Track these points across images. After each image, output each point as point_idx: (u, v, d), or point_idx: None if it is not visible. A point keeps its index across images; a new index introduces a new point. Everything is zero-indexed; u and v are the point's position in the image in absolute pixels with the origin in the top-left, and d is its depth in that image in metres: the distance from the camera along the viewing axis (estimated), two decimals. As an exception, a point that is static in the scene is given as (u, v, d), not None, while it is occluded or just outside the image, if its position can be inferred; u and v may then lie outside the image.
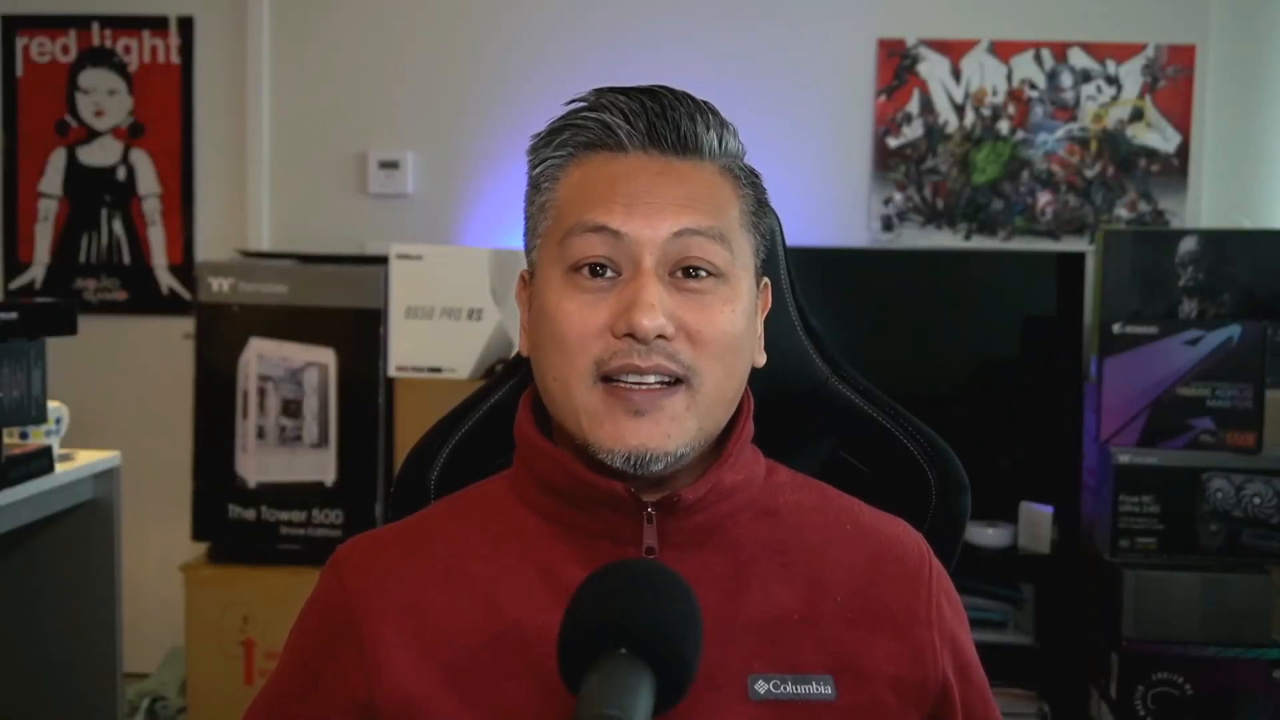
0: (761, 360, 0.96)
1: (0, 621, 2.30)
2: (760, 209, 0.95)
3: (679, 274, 0.87)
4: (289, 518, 2.92)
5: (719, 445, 0.93)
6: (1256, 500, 2.54)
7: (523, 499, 0.93)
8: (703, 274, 0.87)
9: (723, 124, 0.92)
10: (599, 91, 0.91)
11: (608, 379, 0.86)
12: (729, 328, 0.88)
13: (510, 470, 0.97)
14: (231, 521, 2.94)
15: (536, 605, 0.86)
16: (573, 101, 0.93)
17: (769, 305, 1.00)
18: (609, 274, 0.87)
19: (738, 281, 0.90)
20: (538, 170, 0.93)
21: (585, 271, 0.87)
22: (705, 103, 0.92)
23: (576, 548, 0.89)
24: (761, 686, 0.85)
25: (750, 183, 0.94)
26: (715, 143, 0.91)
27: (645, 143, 0.89)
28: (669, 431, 0.86)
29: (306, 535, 2.91)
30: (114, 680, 2.31)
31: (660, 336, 0.85)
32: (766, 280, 0.99)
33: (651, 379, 0.85)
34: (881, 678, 0.88)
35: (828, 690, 0.86)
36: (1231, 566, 2.53)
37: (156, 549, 3.23)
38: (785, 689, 0.86)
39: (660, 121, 0.89)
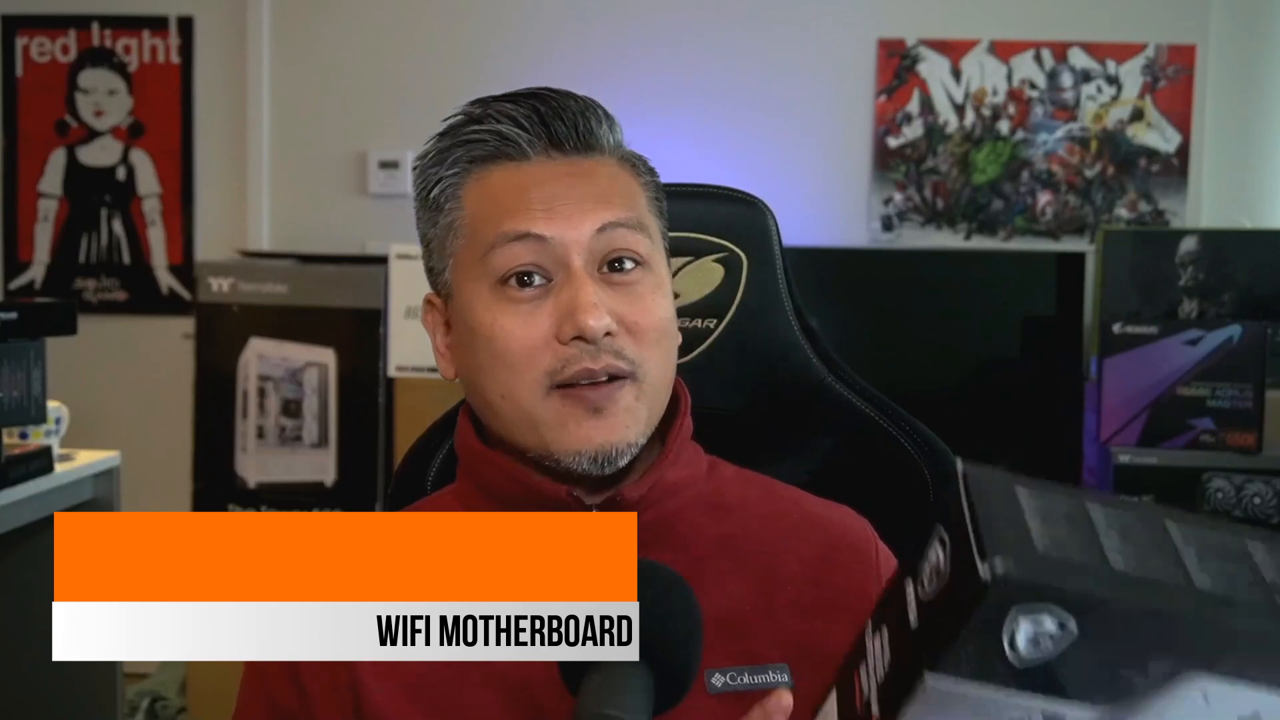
0: (679, 340, 0.96)
1: (0, 621, 2.30)
2: (658, 193, 0.95)
3: (606, 269, 0.88)
4: (289, 518, 2.93)
5: (659, 442, 0.93)
6: (1256, 500, 2.54)
7: (470, 511, 0.92)
8: (629, 265, 0.88)
9: (609, 117, 0.92)
10: (481, 103, 0.90)
11: (563, 385, 0.86)
12: (663, 314, 0.89)
13: (454, 485, 0.97)
14: (231, 521, 2.94)
15: None
16: (451, 117, 0.92)
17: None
18: (538, 280, 0.87)
19: (659, 268, 0.91)
20: (435, 192, 0.92)
21: (514, 282, 0.86)
22: (590, 98, 0.92)
23: None
24: (718, 679, 0.86)
25: (646, 169, 0.94)
26: (609, 137, 0.91)
27: (548, 147, 0.89)
28: (626, 423, 0.86)
29: (306, 535, 2.91)
30: (114, 680, 2.31)
31: (607, 334, 0.85)
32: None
33: (604, 377, 0.85)
34: (839, 663, 0.88)
35: (784, 679, 0.86)
36: (1231, 566, 2.52)
37: (156, 549, 3.23)
38: (742, 680, 0.86)
39: (558, 123, 0.88)
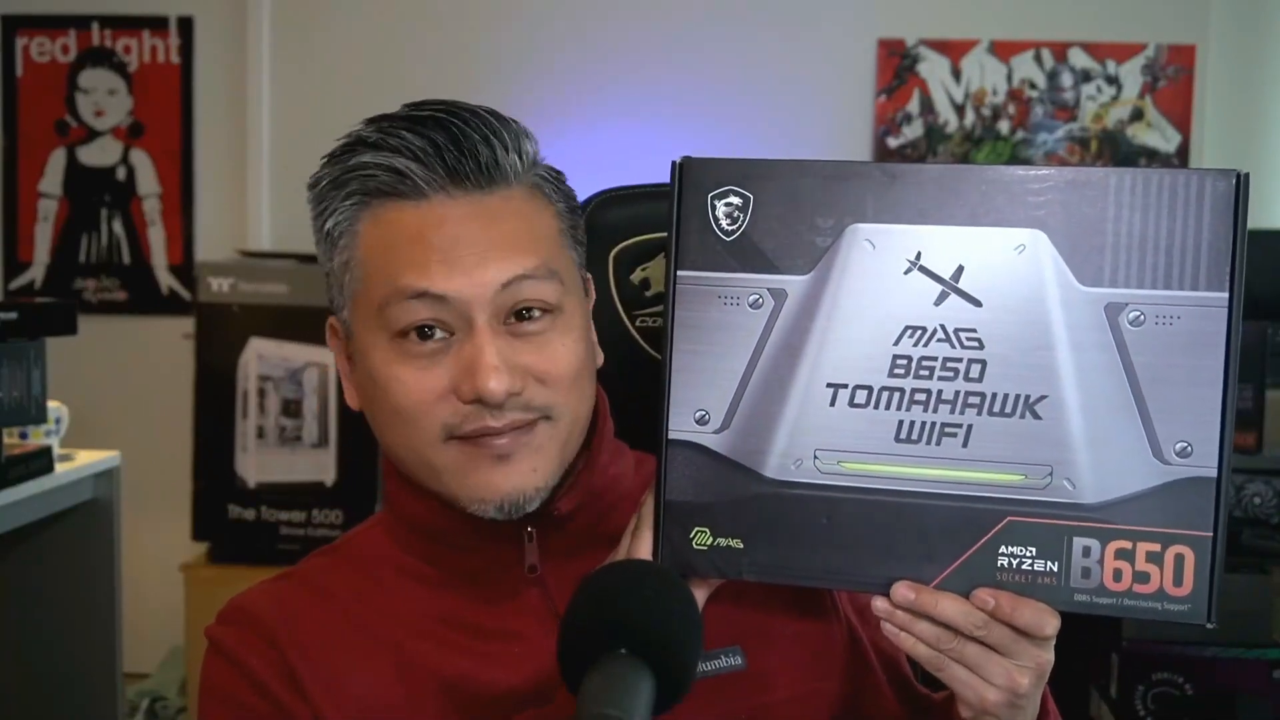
0: (601, 360, 0.91)
1: (0, 621, 2.30)
2: (574, 213, 0.88)
3: (512, 319, 0.82)
4: (289, 518, 2.92)
5: (585, 448, 0.90)
6: (1256, 500, 2.54)
7: (399, 544, 0.91)
8: (537, 314, 0.82)
9: (519, 134, 0.84)
10: (379, 127, 0.82)
11: (461, 437, 0.82)
12: (573, 359, 0.83)
13: (381, 516, 0.94)
14: (231, 521, 2.94)
15: (437, 649, 0.86)
16: (349, 139, 0.83)
17: (594, 294, 0.94)
18: (439, 334, 0.81)
19: (572, 308, 0.85)
20: (330, 225, 0.84)
21: (413, 335, 0.81)
22: (495, 114, 0.83)
23: (462, 584, 0.88)
24: None
25: (559, 191, 0.87)
26: (518, 161, 0.82)
27: (446, 183, 0.80)
28: (535, 466, 0.83)
29: (306, 535, 2.91)
30: (114, 680, 2.31)
31: (511, 394, 0.80)
32: (588, 275, 0.93)
33: (507, 433, 0.82)
34: (788, 638, 0.88)
35: (737, 660, 0.86)
36: (1231, 566, 2.52)
37: (156, 549, 3.23)
38: (697, 667, 0.86)
39: (457, 156, 0.80)
